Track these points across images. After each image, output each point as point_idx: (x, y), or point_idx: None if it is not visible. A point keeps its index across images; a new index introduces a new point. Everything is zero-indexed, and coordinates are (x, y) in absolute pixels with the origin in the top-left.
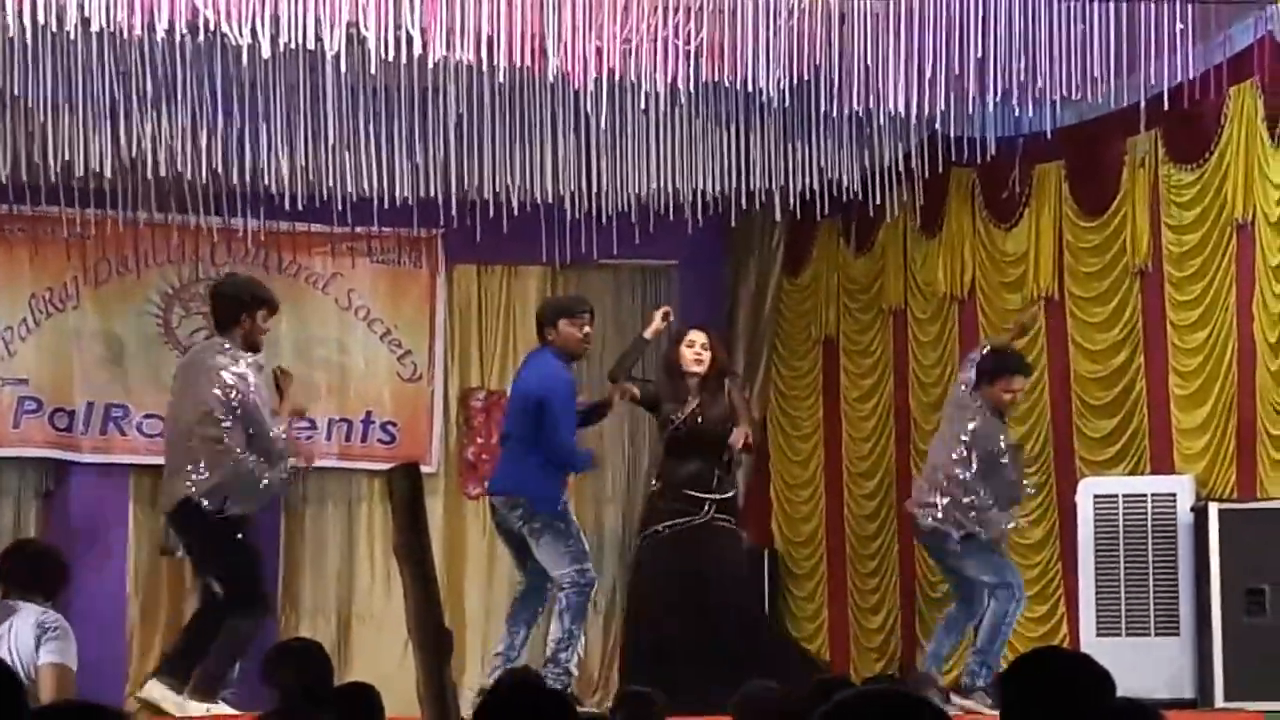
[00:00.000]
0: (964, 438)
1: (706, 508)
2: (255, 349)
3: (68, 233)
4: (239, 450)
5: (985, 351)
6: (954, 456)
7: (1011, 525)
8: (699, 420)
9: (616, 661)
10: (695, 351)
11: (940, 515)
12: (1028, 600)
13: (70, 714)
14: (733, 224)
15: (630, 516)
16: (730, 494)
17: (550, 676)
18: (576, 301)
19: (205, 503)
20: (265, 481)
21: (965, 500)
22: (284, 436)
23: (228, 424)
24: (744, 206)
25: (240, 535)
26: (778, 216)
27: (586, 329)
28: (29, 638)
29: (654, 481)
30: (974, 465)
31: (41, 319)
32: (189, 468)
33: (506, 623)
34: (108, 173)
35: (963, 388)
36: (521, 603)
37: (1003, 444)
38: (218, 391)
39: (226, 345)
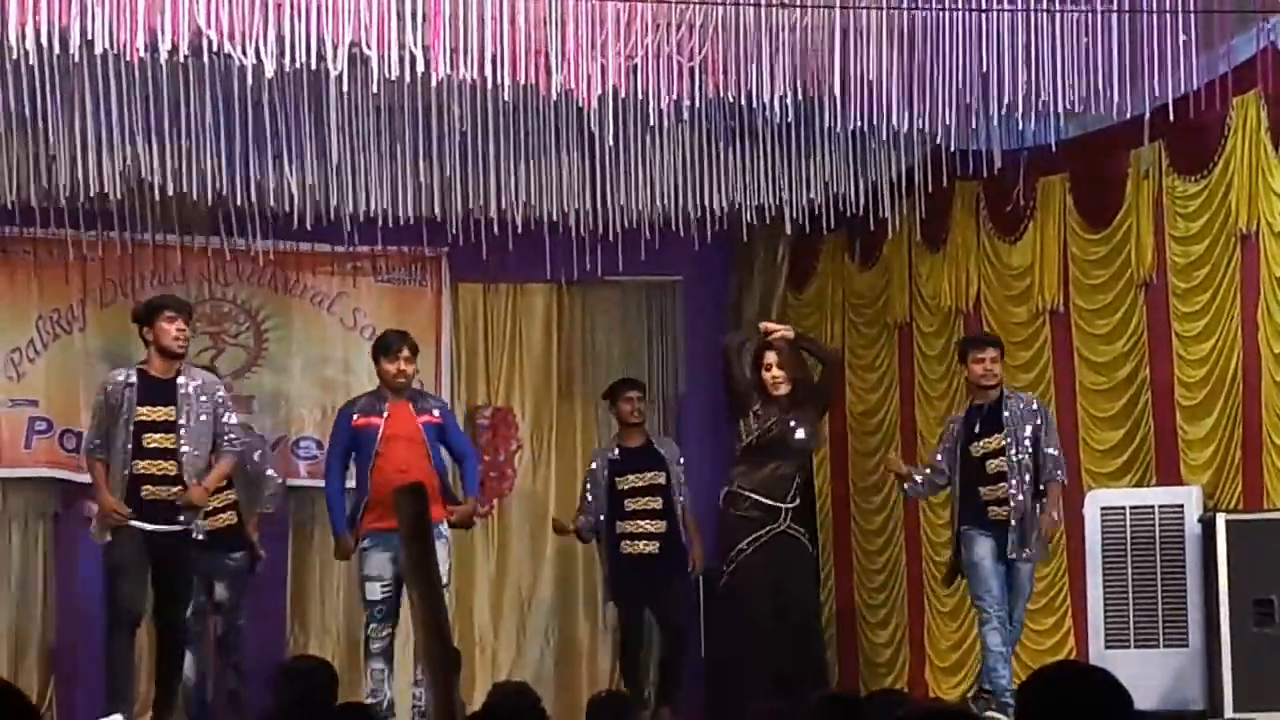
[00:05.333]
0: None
1: (783, 515)
2: (174, 356)
3: (73, 255)
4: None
5: None
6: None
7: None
8: (777, 430)
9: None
10: (773, 375)
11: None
12: (1035, 614)
13: None
14: (737, 240)
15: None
16: (798, 503)
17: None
18: (389, 338)
19: None
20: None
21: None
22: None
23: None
24: (749, 222)
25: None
26: (788, 230)
27: (399, 364)
28: None
29: (724, 487)
30: (944, 444)
31: (49, 340)
32: None
33: None
34: (113, 194)
35: None
36: None
37: (953, 431)
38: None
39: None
